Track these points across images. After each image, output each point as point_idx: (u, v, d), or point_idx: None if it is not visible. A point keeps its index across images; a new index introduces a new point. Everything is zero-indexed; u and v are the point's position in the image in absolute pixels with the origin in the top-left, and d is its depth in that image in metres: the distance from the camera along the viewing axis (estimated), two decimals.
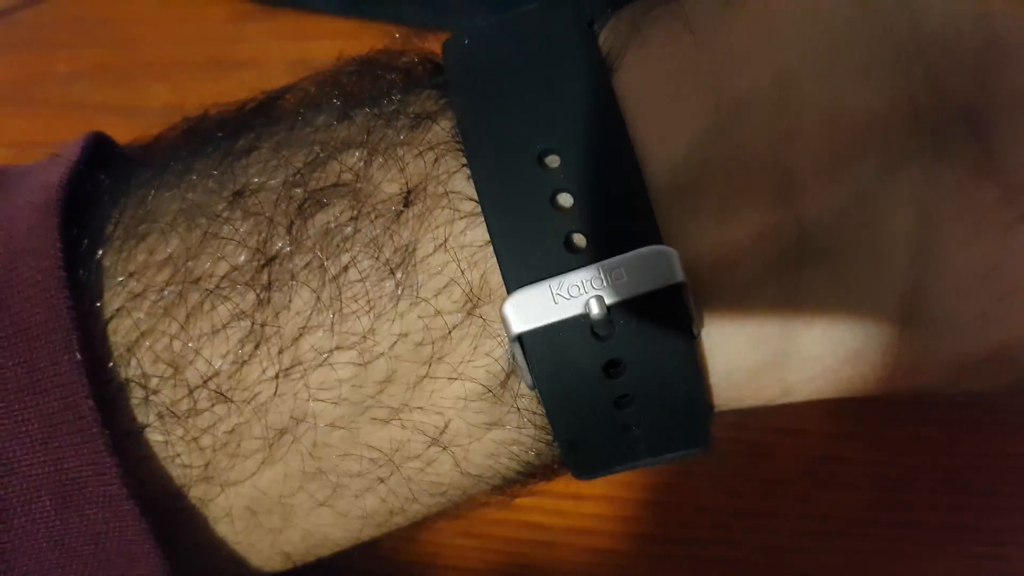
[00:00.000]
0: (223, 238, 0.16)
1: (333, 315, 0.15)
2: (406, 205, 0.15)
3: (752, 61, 0.15)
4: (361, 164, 0.16)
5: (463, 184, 0.15)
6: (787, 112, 0.15)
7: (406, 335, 0.15)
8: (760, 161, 0.15)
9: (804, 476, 0.23)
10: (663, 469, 0.24)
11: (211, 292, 0.15)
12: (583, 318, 0.14)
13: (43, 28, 0.33)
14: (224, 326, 0.15)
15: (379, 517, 0.17)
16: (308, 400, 0.15)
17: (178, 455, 0.16)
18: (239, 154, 0.17)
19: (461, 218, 0.15)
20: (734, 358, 0.16)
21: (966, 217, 0.15)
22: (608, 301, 0.14)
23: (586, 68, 0.15)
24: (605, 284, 0.14)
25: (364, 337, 0.15)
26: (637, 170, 0.14)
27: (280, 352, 0.15)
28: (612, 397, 0.15)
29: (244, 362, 0.15)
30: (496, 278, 0.15)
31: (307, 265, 0.15)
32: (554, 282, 0.14)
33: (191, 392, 0.15)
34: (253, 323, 0.15)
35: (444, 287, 0.15)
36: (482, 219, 0.15)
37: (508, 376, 0.15)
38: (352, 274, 0.15)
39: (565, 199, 0.15)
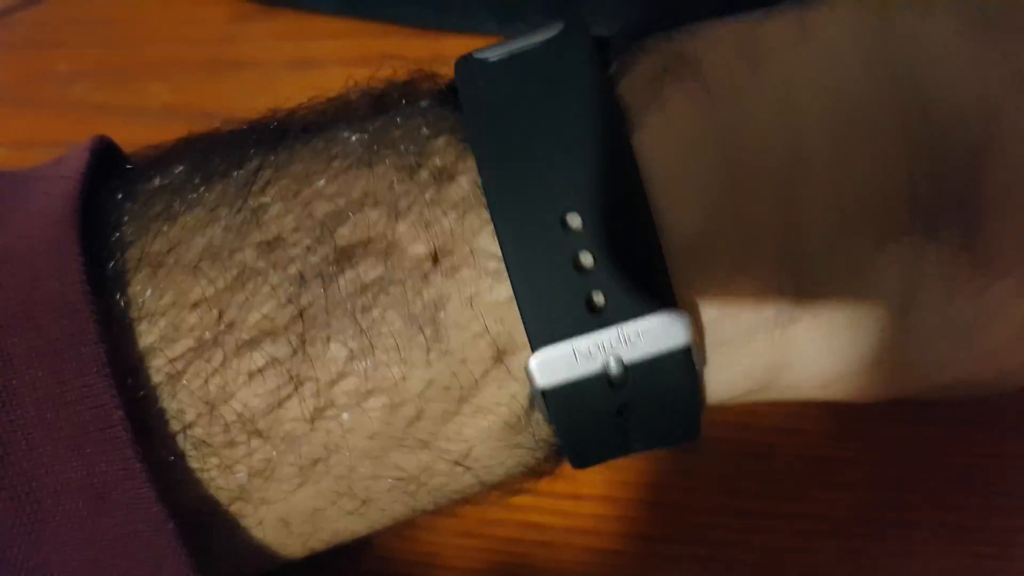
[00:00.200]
0: (255, 291, 0.16)
1: (366, 365, 0.16)
2: (434, 263, 0.16)
3: (768, 131, 0.16)
4: (387, 222, 0.16)
5: (488, 242, 0.16)
6: (797, 181, 0.16)
7: (436, 381, 0.16)
8: (769, 227, 0.16)
9: (804, 476, 0.23)
10: (663, 469, 0.24)
11: (246, 342, 0.16)
12: (602, 375, 0.16)
13: (43, 28, 0.33)
14: (259, 371, 0.16)
15: (403, 517, 0.19)
16: (341, 435, 0.16)
17: (213, 479, 0.16)
18: (258, 191, 0.17)
19: (487, 275, 0.16)
20: (725, 384, 0.17)
21: (943, 284, 0.17)
22: (625, 360, 0.16)
23: (608, 127, 0.15)
24: (624, 344, 0.15)
25: (396, 384, 0.16)
26: (656, 236, 0.15)
27: (315, 396, 0.16)
28: (616, 413, 0.17)
29: (279, 405, 0.16)
30: (521, 333, 0.16)
31: (339, 319, 0.16)
32: (576, 342, 0.15)
33: (227, 427, 0.16)
34: (288, 371, 0.16)
35: (472, 340, 0.16)
36: (507, 276, 0.15)
37: (528, 411, 0.17)
38: (383, 328, 0.16)
39: (586, 258, 0.15)
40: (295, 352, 0.16)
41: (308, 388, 0.16)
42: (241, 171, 0.17)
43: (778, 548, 0.23)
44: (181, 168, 0.18)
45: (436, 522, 0.24)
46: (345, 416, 0.16)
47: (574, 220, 0.15)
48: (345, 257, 0.16)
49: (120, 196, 0.17)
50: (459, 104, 0.17)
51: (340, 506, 0.18)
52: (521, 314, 0.16)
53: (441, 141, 0.17)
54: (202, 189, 0.17)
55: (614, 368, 0.16)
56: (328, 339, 0.16)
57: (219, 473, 0.16)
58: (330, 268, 0.16)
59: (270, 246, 0.16)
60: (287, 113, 0.18)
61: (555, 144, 0.16)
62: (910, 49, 0.16)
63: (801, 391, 0.18)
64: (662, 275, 0.15)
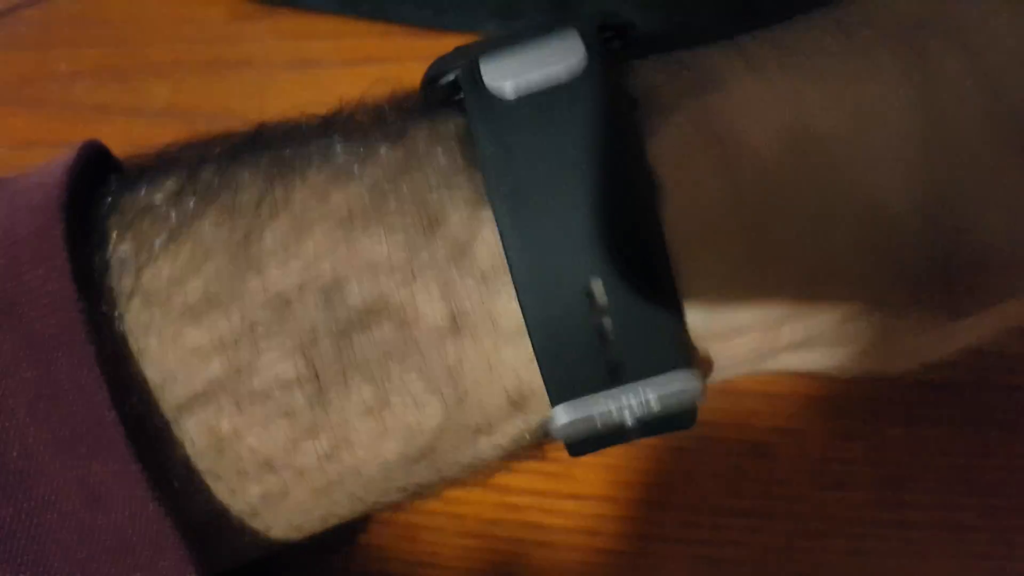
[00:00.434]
0: (269, 347, 0.16)
1: (384, 415, 0.16)
2: (452, 326, 0.16)
3: (785, 215, 0.16)
4: (402, 285, 0.16)
5: (508, 305, 0.16)
6: (818, 255, 0.16)
7: (452, 426, 0.16)
8: (770, 291, 0.16)
9: (804, 476, 0.23)
10: (663, 469, 0.24)
11: (260, 393, 0.16)
12: (618, 423, 0.16)
13: (44, 27, 0.33)
14: (274, 418, 0.16)
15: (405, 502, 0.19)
16: (356, 468, 0.17)
17: (222, 501, 0.17)
18: (256, 238, 0.16)
19: (508, 338, 0.16)
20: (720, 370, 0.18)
21: (918, 329, 0.18)
22: (639, 415, 0.16)
23: (636, 195, 0.15)
24: (641, 399, 0.16)
25: (412, 430, 0.16)
26: (679, 308, 0.16)
27: (331, 440, 0.16)
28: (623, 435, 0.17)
29: (293, 448, 0.16)
30: (540, 388, 0.16)
31: (355, 375, 0.16)
32: (596, 405, 0.16)
33: (240, 460, 0.16)
34: (304, 421, 0.16)
35: (491, 394, 0.16)
36: (527, 338, 0.15)
37: (540, 427, 0.17)
38: (401, 385, 0.16)
39: (608, 323, 0.15)
40: (311, 405, 0.16)
41: (324, 434, 0.16)
42: (239, 197, 0.16)
43: (778, 548, 0.23)
44: (171, 180, 0.17)
45: (436, 522, 0.24)
46: (361, 453, 0.16)
47: (598, 288, 0.15)
48: (361, 323, 0.16)
49: (109, 212, 0.17)
50: (464, 118, 0.16)
51: (352, 507, 0.18)
52: (543, 376, 0.16)
53: (457, 194, 0.16)
54: (195, 213, 0.16)
55: (630, 424, 0.16)
56: (345, 393, 0.16)
57: (229, 496, 0.16)
58: (347, 330, 0.16)
59: (278, 299, 0.16)
60: (283, 128, 0.18)
61: (581, 210, 0.15)
62: None
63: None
64: (684, 345, 0.16)
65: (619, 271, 0.15)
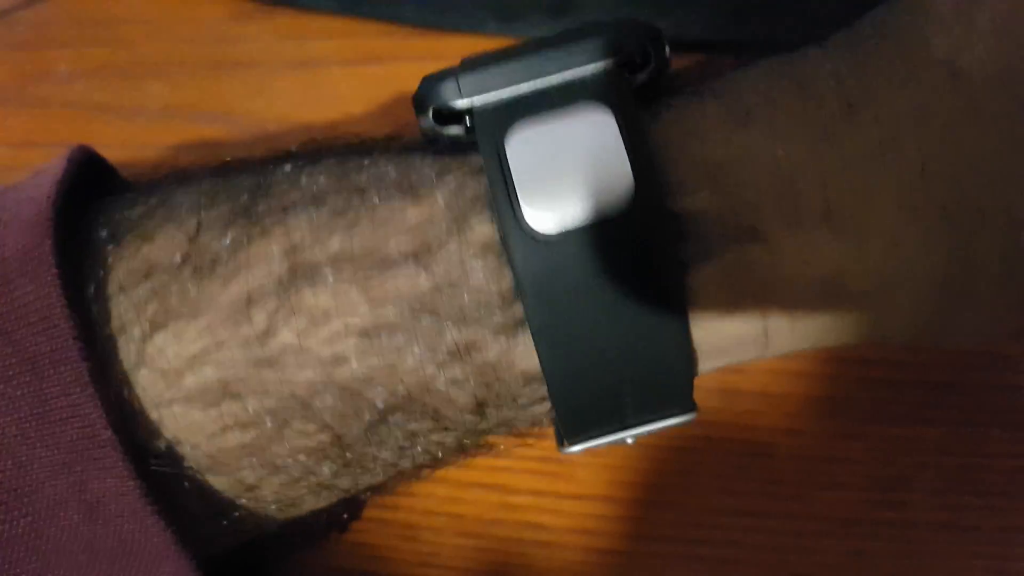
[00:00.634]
0: (297, 434, 0.16)
1: (407, 465, 0.18)
2: (481, 415, 0.16)
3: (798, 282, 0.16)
4: (429, 395, 0.16)
5: (538, 391, 0.16)
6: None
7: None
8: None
9: (804, 476, 0.23)
10: (663, 469, 0.24)
11: (283, 467, 0.16)
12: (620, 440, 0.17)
13: (43, 28, 0.33)
14: (297, 481, 0.17)
15: None
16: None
17: (216, 512, 0.17)
18: (262, 330, 0.15)
19: (532, 409, 0.17)
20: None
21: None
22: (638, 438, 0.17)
23: (673, 336, 0.16)
24: (644, 431, 0.17)
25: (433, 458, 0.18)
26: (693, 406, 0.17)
27: (344, 494, 0.18)
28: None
29: (303, 480, 0.17)
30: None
31: (380, 447, 0.17)
32: (604, 438, 0.17)
33: (247, 491, 0.17)
34: (328, 482, 0.17)
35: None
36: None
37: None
38: (429, 450, 0.17)
39: (628, 403, 0.17)
40: (336, 475, 0.17)
41: (341, 488, 0.17)
42: (240, 255, 0.16)
43: (778, 548, 0.23)
44: (172, 229, 0.16)
45: (436, 522, 0.24)
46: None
47: (625, 393, 0.16)
48: (382, 415, 0.16)
49: (101, 226, 0.16)
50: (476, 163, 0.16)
51: (343, 490, 0.18)
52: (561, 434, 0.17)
53: (492, 321, 0.15)
54: (201, 259, 0.16)
55: (630, 440, 0.17)
56: (371, 468, 0.17)
57: (226, 506, 0.17)
58: (377, 421, 0.16)
59: (307, 400, 0.16)
60: (284, 160, 0.17)
61: (623, 356, 0.16)
62: None
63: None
64: (690, 393, 0.17)
65: (649, 395, 0.16)
